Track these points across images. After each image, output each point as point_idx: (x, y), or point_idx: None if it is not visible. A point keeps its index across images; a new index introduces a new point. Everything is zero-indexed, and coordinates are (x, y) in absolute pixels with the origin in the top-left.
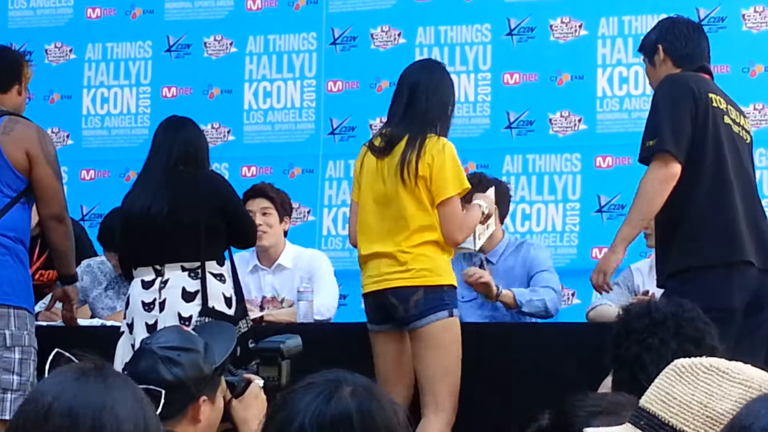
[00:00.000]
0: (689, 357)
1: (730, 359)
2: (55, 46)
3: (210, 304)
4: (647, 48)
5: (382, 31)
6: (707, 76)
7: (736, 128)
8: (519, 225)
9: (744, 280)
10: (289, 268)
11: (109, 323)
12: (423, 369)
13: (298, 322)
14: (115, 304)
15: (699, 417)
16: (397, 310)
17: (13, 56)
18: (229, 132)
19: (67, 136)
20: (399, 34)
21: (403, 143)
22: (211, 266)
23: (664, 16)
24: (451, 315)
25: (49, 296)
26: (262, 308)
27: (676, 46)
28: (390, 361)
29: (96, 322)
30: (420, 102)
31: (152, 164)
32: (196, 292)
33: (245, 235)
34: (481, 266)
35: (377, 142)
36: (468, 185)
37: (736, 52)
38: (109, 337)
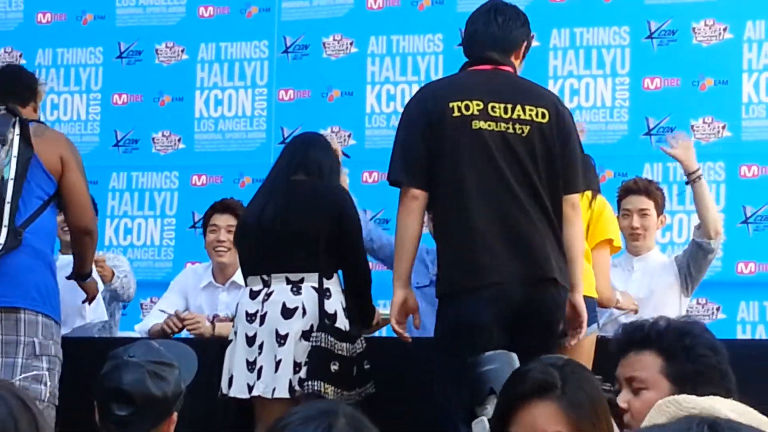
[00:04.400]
0: None
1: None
2: (5, 51)
3: (326, 320)
4: None
5: (334, 40)
6: (486, 68)
7: (502, 126)
8: None
9: (498, 295)
10: (243, 285)
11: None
12: None
13: None
14: None
15: None
16: None
17: (31, 76)
18: (179, 140)
19: None
20: (351, 43)
21: None
22: (314, 279)
23: (615, 29)
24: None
25: None
26: (213, 326)
27: (465, 38)
28: None
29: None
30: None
31: (271, 173)
32: (295, 308)
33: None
34: None
35: None
36: None
37: (687, 65)
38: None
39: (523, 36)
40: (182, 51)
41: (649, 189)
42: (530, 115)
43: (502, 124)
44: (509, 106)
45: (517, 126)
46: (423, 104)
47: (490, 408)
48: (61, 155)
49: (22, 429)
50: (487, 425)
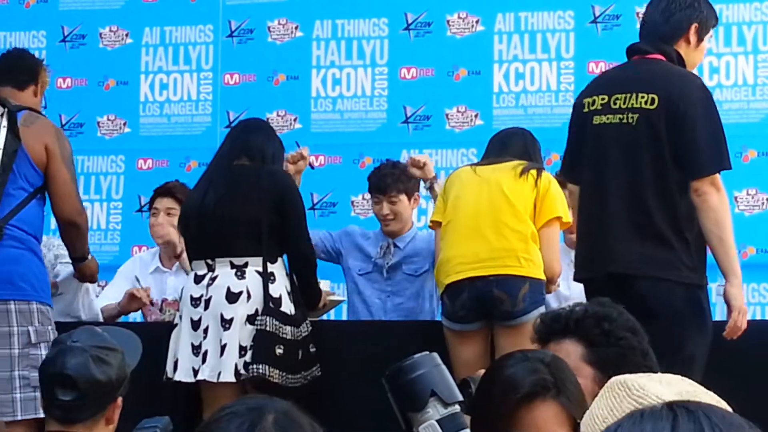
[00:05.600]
0: None
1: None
2: None
3: (271, 304)
4: None
5: (279, 23)
6: (634, 59)
7: (618, 117)
8: None
9: (591, 288)
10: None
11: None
12: None
13: None
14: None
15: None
16: (504, 303)
17: (32, 59)
18: (124, 124)
19: None
20: (296, 27)
21: None
22: (258, 263)
23: (560, 12)
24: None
25: None
26: (161, 311)
27: None
28: (473, 366)
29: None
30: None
31: (214, 159)
32: (240, 292)
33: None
34: (387, 248)
35: None
36: None
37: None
38: None
39: (690, 18)
40: (126, 35)
41: None
42: (640, 103)
43: (619, 116)
44: (628, 95)
45: (629, 115)
46: (574, 107)
47: (432, 411)
48: (46, 145)
49: None
50: (438, 428)
